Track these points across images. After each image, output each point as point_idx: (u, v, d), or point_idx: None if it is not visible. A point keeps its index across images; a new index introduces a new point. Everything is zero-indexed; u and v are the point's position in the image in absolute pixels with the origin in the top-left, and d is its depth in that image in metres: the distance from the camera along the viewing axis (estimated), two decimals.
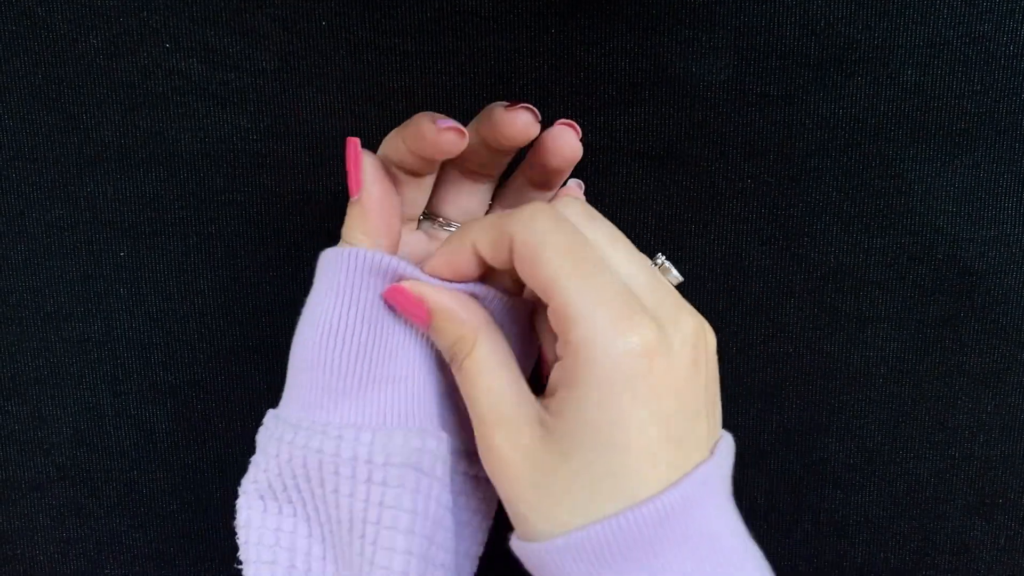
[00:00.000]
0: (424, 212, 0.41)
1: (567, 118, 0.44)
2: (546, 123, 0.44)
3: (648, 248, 0.45)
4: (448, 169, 0.40)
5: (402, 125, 0.36)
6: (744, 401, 0.48)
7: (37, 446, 0.47)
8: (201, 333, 0.46)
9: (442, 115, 0.35)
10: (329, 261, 0.36)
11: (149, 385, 0.46)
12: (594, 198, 0.45)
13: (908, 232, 0.46)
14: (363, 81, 0.43)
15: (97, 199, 0.44)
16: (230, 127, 0.44)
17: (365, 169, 0.35)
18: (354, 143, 0.36)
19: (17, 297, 0.45)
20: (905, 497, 0.49)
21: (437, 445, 0.34)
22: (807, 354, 0.47)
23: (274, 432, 0.36)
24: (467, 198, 0.40)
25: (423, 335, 0.36)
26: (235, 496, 0.40)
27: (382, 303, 0.35)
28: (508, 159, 0.40)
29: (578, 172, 0.44)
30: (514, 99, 0.37)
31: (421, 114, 0.35)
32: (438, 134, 0.34)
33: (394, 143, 0.36)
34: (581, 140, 0.38)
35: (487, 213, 0.42)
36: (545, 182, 0.40)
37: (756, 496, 0.49)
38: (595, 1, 0.42)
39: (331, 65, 0.43)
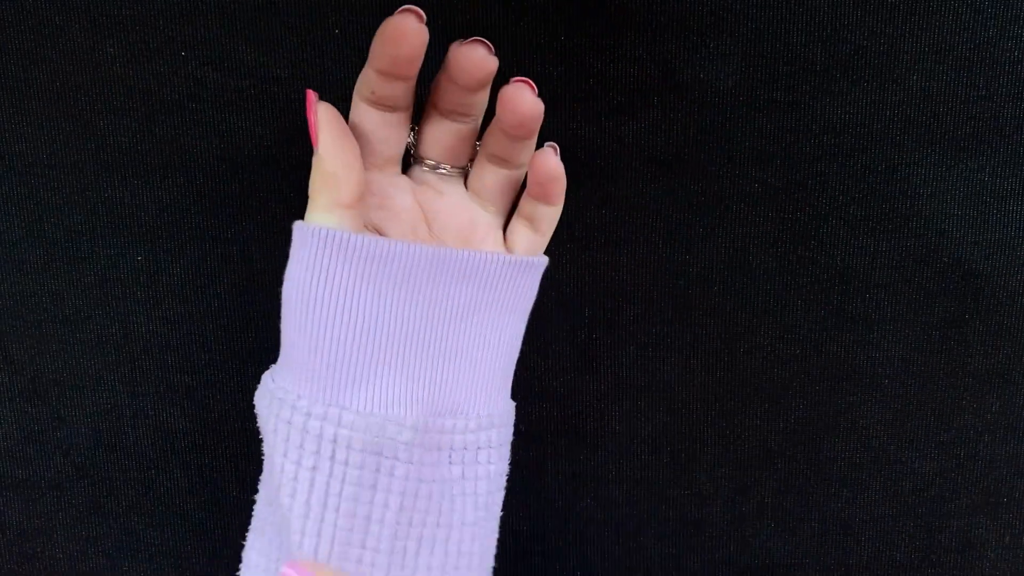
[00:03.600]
0: (412, 155, 0.41)
1: (577, 124, 0.44)
2: (552, 127, 0.44)
3: (656, 252, 0.46)
4: (428, 110, 0.40)
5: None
6: (752, 402, 0.48)
7: (56, 446, 0.48)
8: (217, 335, 0.47)
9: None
10: (304, 235, 0.37)
11: (167, 386, 0.47)
12: (603, 202, 0.45)
13: (914, 235, 0.46)
14: None
15: (115, 204, 0.45)
16: (245, 133, 0.44)
17: (321, 122, 0.36)
18: (312, 96, 0.37)
19: (36, 301, 0.46)
20: (911, 496, 0.49)
21: (398, 431, 0.36)
22: (814, 355, 0.48)
23: (264, 396, 0.39)
24: (448, 137, 0.40)
25: (396, 314, 0.38)
26: (251, 496, 0.41)
27: (356, 286, 0.36)
28: (482, 98, 0.39)
29: (588, 178, 0.45)
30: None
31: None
32: (399, 19, 0.35)
33: (364, 74, 0.37)
34: (539, 96, 0.38)
35: (474, 155, 0.41)
36: (507, 156, 0.40)
37: (764, 495, 0.49)
38: (604, 8, 0.43)
39: (344, 73, 0.44)
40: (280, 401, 0.37)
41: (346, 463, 0.36)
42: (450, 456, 0.39)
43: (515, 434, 0.48)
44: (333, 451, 0.36)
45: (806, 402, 0.48)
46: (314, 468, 0.36)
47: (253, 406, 0.40)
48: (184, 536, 0.49)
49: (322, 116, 0.36)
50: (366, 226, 0.39)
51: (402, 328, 0.38)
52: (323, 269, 0.36)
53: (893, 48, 0.44)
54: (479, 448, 0.40)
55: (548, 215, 0.41)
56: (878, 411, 0.48)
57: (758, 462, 0.49)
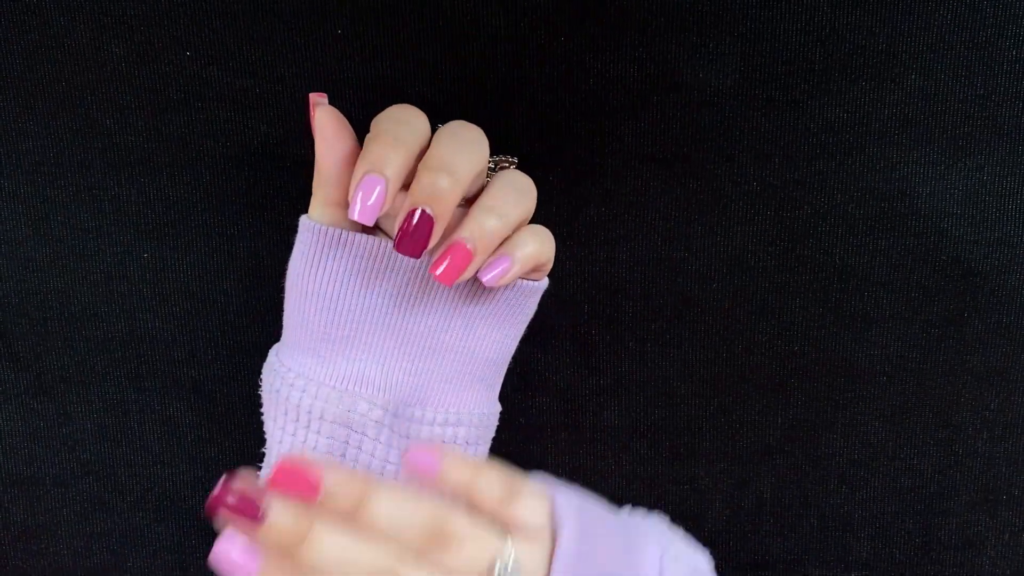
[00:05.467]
0: None
1: (577, 123, 0.45)
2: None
3: (656, 250, 0.46)
4: None
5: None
6: (750, 398, 0.48)
7: (62, 443, 0.48)
8: (224, 330, 0.47)
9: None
10: (303, 229, 0.39)
11: (172, 381, 0.48)
12: (604, 201, 0.46)
13: (912, 234, 0.46)
14: (378, 88, 0.44)
15: (121, 202, 0.46)
16: (250, 132, 0.45)
17: (315, 125, 0.38)
18: (312, 99, 0.38)
19: (42, 298, 0.46)
20: (910, 493, 0.49)
21: (368, 408, 0.39)
22: (812, 353, 0.48)
23: (266, 369, 0.42)
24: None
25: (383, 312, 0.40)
26: None
27: (341, 276, 0.39)
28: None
29: (588, 176, 0.45)
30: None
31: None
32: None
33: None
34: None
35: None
36: None
37: (762, 491, 0.50)
38: (604, 9, 0.43)
39: (347, 72, 0.44)
40: (275, 373, 0.40)
41: (319, 432, 0.39)
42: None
43: (515, 428, 0.48)
44: (309, 421, 0.39)
45: (805, 399, 0.48)
46: (294, 435, 0.39)
47: (259, 400, 0.41)
48: (189, 531, 0.49)
49: (318, 119, 0.38)
50: (382, 231, 0.40)
51: (383, 318, 0.40)
52: (312, 259, 0.39)
53: (891, 47, 0.44)
54: (443, 442, 0.41)
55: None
56: (877, 408, 0.48)
57: (757, 458, 0.49)
